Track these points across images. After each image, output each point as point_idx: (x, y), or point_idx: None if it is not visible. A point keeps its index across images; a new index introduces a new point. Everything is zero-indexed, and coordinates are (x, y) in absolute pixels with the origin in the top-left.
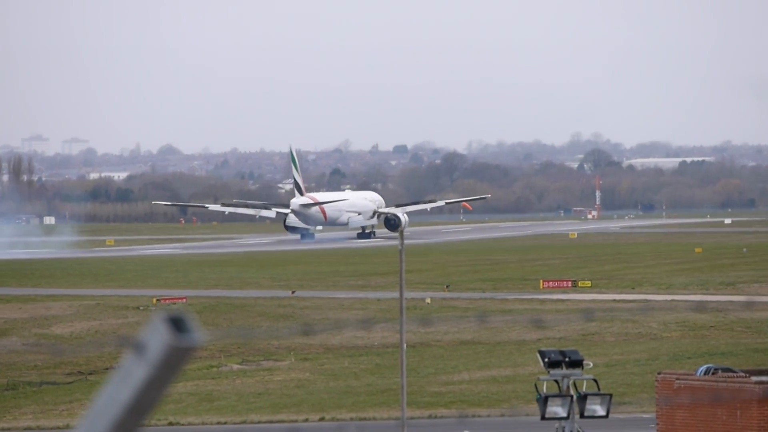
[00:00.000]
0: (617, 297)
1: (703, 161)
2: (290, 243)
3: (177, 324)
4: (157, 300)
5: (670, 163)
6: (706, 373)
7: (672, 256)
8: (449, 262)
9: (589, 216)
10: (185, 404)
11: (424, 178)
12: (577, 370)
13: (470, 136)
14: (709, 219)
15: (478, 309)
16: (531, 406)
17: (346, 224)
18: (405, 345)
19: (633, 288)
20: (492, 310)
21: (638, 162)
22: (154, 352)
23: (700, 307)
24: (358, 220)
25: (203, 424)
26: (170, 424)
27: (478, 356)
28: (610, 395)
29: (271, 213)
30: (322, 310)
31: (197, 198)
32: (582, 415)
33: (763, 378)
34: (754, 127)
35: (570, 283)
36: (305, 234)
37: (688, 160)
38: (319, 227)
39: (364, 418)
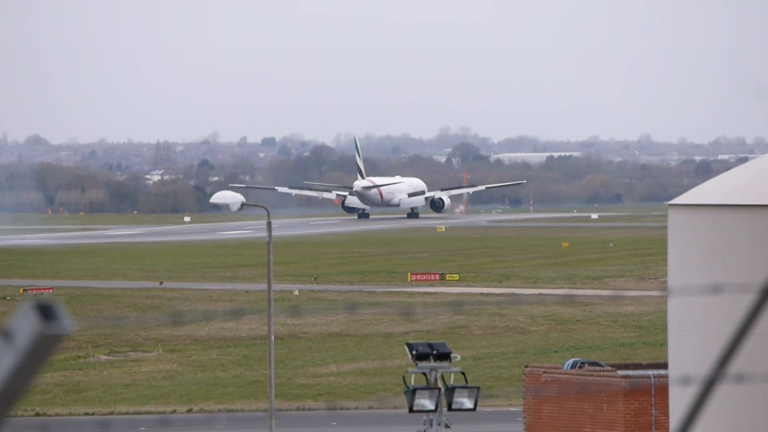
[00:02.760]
0: (485, 290)
1: (570, 156)
2: (158, 234)
3: (46, 311)
4: (24, 290)
5: (538, 157)
6: (573, 366)
7: (539, 251)
8: (317, 254)
9: (457, 210)
10: (52, 395)
11: (292, 170)
12: (444, 363)
13: (338, 129)
14: (576, 214)
15: (346, 301)
16: (399, 399)
17: (398, 205)
18: (273, 337)
19: (500, 282)
20: (360, 302)
21: (506, 156)
22: (22, 339)
23: (566, 300)
24: (408, 202)
25: (70, 414)
26: (37, 414)
27: (346, 348)
28: (478, 388)
29: (332, 195)
30: (190, 302)
31: (65, 188)
32: (450, 408)
33: (629, 372)
34: (621, 123)
35: (438, 276)
36: (362, 214)
37: (556, 154)
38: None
39: (233, 410)
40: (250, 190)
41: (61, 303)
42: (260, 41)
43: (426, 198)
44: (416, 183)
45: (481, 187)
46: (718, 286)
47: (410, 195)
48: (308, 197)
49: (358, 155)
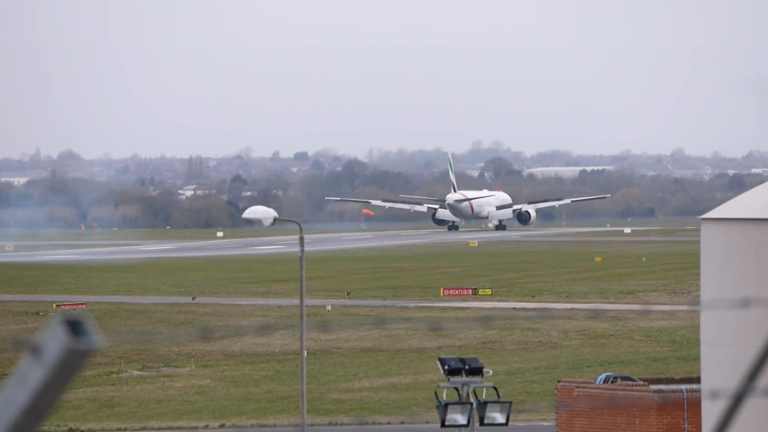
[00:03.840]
0: (517, 305)
1: (603, 170)
2: (191, 249)
3: (75, 327)
4: (57, 306)
5: (570, 171)
6: (606, 381)
7: (572, 265)
8: (350, 269)
9: (490, 224)
10: (85, 410)
11: (325, 185)
12: (476, 378)
13: (371, 144)
14: (608, 228)
15: (378, 316)
16: (431, 414)
17: (486, 218)
18: (305, 352)
19: (533, 296)
20: (393, 317)
21: (538, 171)
22: (51, 354)
23: (596, 315)
24: (497, 215)
25: (103, 430)
26: (70, 430)
27: (378, 363)
28: (510, 403)
29: (423, 208)
30: (222, 317)
31: (98, 203)
32: (482, 423)
33: (662, 386)
34: (653, 137)
35: (470, 291)
36: (452, 226)
37: (588, 169)
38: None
39: (264, 425)
40: (345, 203)
41: (90, 318)
42: (292, 57)
43: (513, 210)
44: (503, 197)
45: (567, 201)
46: (747, 300)
47: (498, 208)
48: (401, 210)
49: (451, 170)
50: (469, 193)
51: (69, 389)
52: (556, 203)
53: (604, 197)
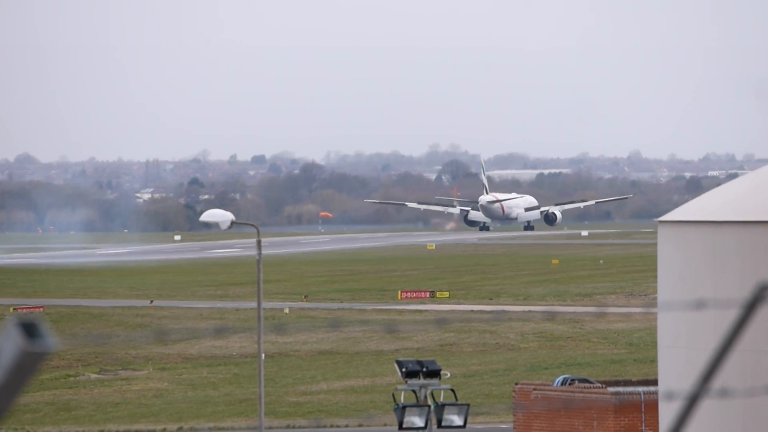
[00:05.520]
0: (475, 308)
1: (560, 173)
2: (148, 253)
3: (30, 329)
4: (14, 309)
5: (528, 174)
6: (563, 383)
7: (529, 268)
8: (308, 272)
9: (447, 227)
10: (42, 414)
11: (282, 188)
12: (434, 380)
13: (328, 147)
14: (566, 231)
15: (336, 319)
16: (389, 416)
17: (515, 219)
18: (263, 355)
19: (491, 299)
20: (350, 320)
21: (496, 174)
22: (6, 357)
23: (556, 317)
24: (525, 216)
25: None
26: None
27: (336, 366)
28: (468, 405)
29: (456, 209)
30: (179, 320)
31: (55, 207)
32: (439, 425)
33: (619, 389)
34: (610, 140)
35: (428, 293)
36: (482, 227)
37: (546, 171)
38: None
39: (222, 428)
40: (385, 206)
41: (47, 321)
42: (249, 60)
43: (541, 212)
44: (530, 199)
45: (591, 202)
46: (702, 302)
47: (526, 210)
48: (434, 212)
49: (483, 172)
50: (500, 195)
51: (25, 392)
52: (581, 204)
53: (626, 198)
